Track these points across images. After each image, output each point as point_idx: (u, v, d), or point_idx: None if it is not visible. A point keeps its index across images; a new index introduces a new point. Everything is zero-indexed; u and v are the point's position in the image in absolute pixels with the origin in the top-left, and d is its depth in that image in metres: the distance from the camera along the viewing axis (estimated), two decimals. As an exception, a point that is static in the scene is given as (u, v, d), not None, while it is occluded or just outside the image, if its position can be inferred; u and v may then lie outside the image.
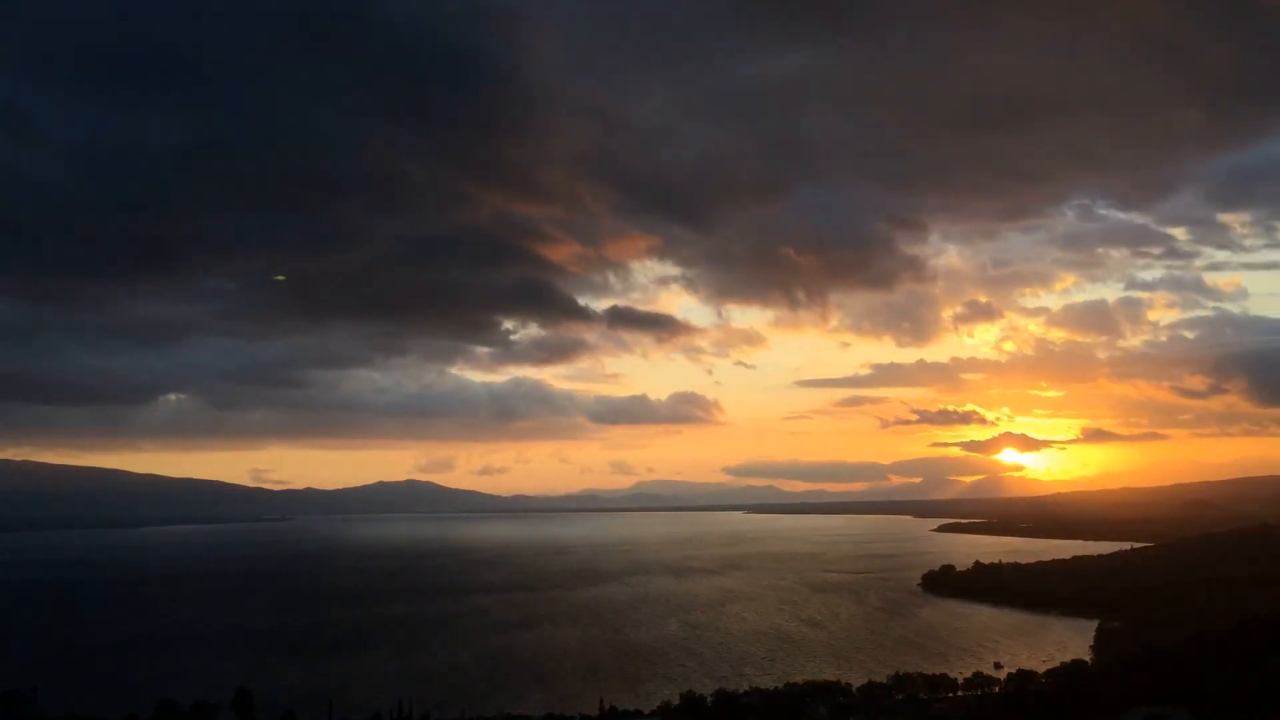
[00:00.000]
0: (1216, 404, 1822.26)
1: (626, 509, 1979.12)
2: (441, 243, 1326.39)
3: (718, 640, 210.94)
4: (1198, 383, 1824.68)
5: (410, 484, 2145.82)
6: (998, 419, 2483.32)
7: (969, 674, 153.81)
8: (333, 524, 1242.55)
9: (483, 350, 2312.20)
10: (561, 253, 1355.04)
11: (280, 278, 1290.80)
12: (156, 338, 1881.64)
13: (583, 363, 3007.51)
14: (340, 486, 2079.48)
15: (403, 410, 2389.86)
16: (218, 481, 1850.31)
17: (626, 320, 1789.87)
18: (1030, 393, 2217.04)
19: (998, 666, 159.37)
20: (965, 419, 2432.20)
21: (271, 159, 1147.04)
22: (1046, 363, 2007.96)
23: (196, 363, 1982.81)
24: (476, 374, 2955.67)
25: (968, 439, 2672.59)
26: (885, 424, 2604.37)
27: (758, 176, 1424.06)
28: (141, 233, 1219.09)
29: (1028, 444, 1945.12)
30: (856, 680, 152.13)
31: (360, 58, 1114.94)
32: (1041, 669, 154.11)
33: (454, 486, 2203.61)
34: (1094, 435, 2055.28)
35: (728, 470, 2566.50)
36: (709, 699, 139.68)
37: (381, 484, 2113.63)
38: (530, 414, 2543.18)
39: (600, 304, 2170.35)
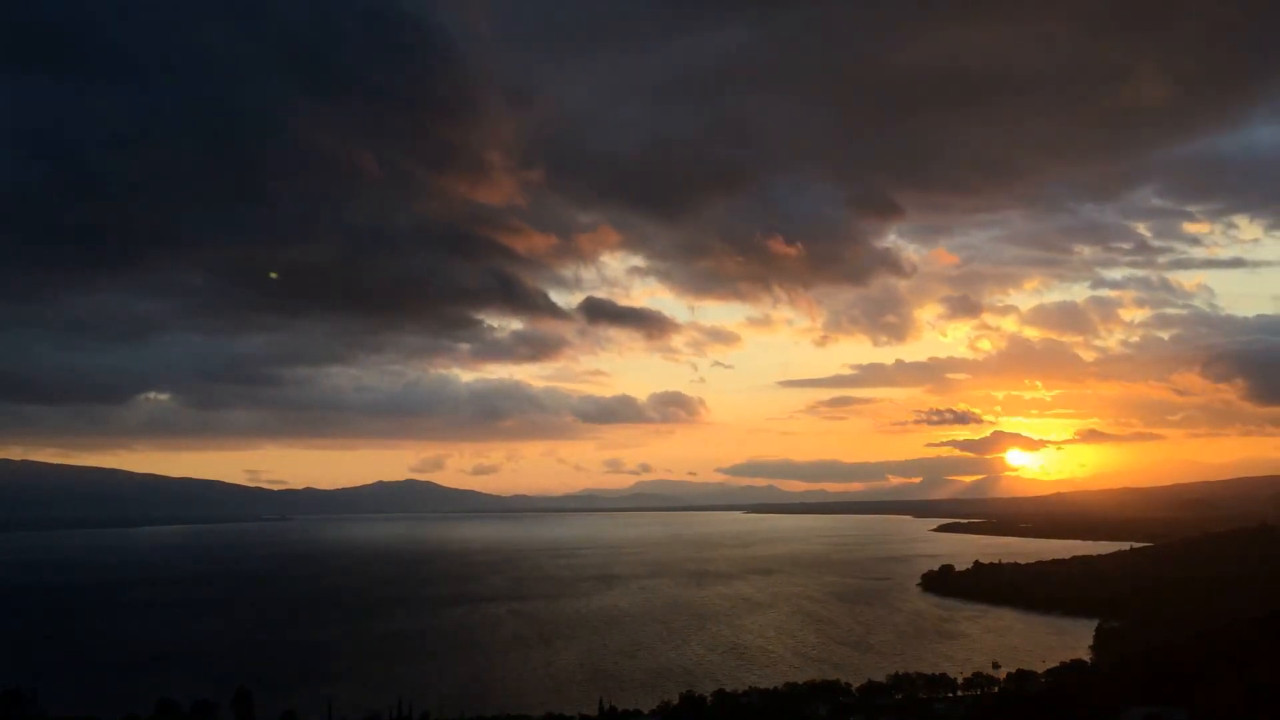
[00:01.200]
0: (1210, 403, 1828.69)
1: (627, 509, 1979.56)
2: (407, 234, 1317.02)
3: (750, 663, 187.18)
4: (1188, 382, 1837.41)
5: (409, 484, 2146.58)
6: (992, 419, 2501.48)
7: (969, 674, 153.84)
8: (332, 524, 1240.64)
9: (463, 347, 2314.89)
10: (529, 245, 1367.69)
11: (273, 275, 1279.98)
12: (123, 334, 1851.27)
13: (562, 360, 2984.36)
14: (339, 486, 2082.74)
15: (390, 409, 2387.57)
16: (217, 481, 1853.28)
17: (604, 315, 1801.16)
18: (1020, 393, 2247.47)
19: (997, 666, 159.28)
20: (961, 419, 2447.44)
21: (208, 144, 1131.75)
22: (1033, 362, 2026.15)
23: (171, 360, 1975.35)
24: (457, 371, 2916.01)
25: (962, 439, 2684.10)
26: (879, 424, 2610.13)
27: (718, 165, 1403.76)
28: (84, 222, 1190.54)
29: (1024, 444, 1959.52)
30: (856, 680, 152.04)
31: (291, 32, 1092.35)
32: (1041, 669, 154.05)
33: (453, 486, 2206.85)
34: (1090, 435, 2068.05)
35: (726, 470, 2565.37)
36: (709, 699, 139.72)
37: (381, 484, 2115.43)
38: (518, 413, 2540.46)
39: (573, 299, 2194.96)
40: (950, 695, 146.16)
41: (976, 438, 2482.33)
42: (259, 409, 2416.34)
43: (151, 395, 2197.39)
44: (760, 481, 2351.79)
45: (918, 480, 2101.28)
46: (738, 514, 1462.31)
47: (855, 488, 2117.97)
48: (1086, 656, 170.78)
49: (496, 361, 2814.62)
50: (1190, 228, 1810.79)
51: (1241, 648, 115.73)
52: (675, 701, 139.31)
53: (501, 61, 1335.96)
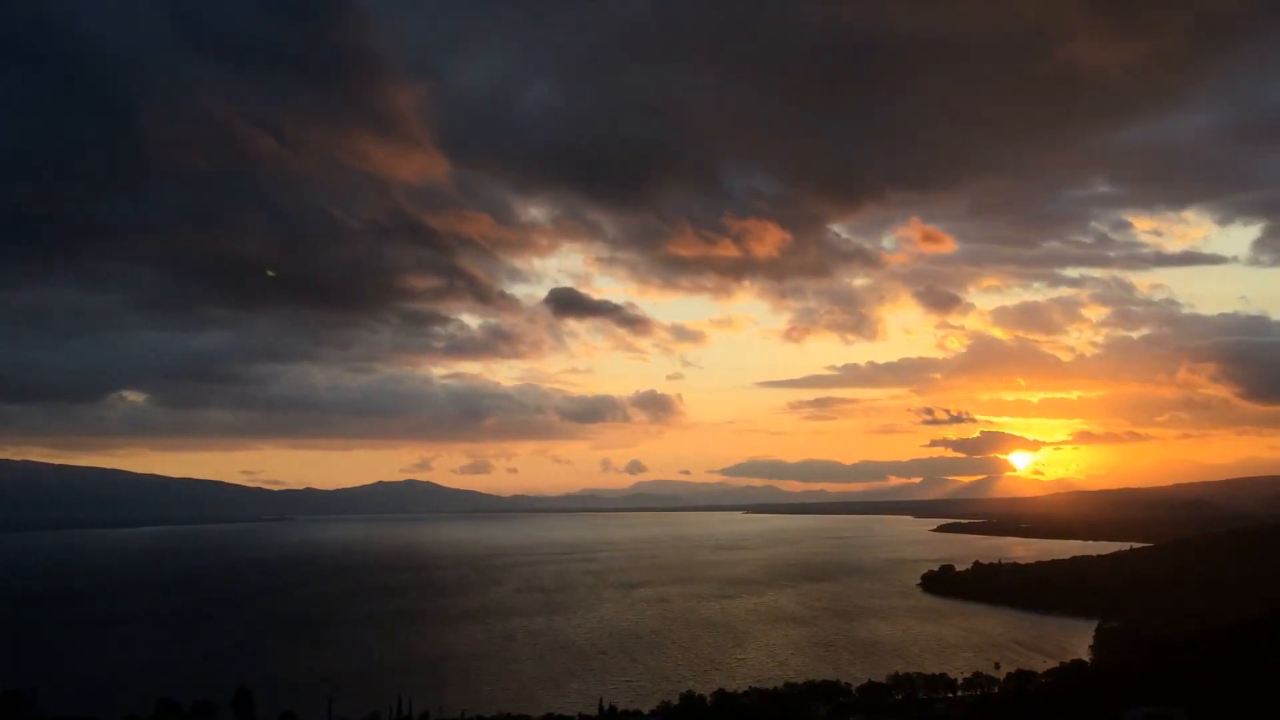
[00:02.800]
0: (1199, 403, 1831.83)
1: (628, 509, 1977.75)
2: (353, 224, 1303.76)
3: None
4: (1175, 383, 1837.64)
5: (409, 484, 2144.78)
6: (985, 419, 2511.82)
7: (969, 674, 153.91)
8: (334, 525, 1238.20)
9: (433, 343, 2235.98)
10: (477, 232, 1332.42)
11: (270, 273, 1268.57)
12: (76, 329, 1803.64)
13: (532, 358, 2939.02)
14: (339, 486, 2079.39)
15: (372, 409, 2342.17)
16: (219, 482, 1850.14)
17: (571, 309, 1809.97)
18: (1005, 394, 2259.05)
19: (998, 666, 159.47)
20: (955, 419, 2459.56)
21: (107, 122, 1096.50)
22: (1013, 362, 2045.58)
23: (135, 357, 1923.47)
24: (428, 368, 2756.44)
25: (956, 439, 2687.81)
26: (870, 425, 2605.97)
27: (648, 146, 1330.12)
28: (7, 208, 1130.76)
29: (1021, 445, 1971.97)
30: (856, 680, 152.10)
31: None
32: (1041, 669, 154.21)
33: (453, 486, 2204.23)
34: (1084, 436, 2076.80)
35: (724, 471, 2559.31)
36: (709, 699, 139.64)
37: (381, 484, 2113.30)
38: (501, 412, 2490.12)
39: (527, 291, 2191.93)
40: (950, 695, 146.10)
41: (970, 438, 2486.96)
42: (239, 408, 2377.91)
43: (125, 394, 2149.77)
44: (759, 482, 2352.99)
45: (917, 480, 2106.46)
46: (738, 514, 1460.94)
47: (854, 488, 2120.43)
48: (1086, 656, 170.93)
49: (469, 358, 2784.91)
50: (1144, 224, 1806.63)
51: (1241, 648, 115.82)
52: (675, 702, 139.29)
53: (405, 25, 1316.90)
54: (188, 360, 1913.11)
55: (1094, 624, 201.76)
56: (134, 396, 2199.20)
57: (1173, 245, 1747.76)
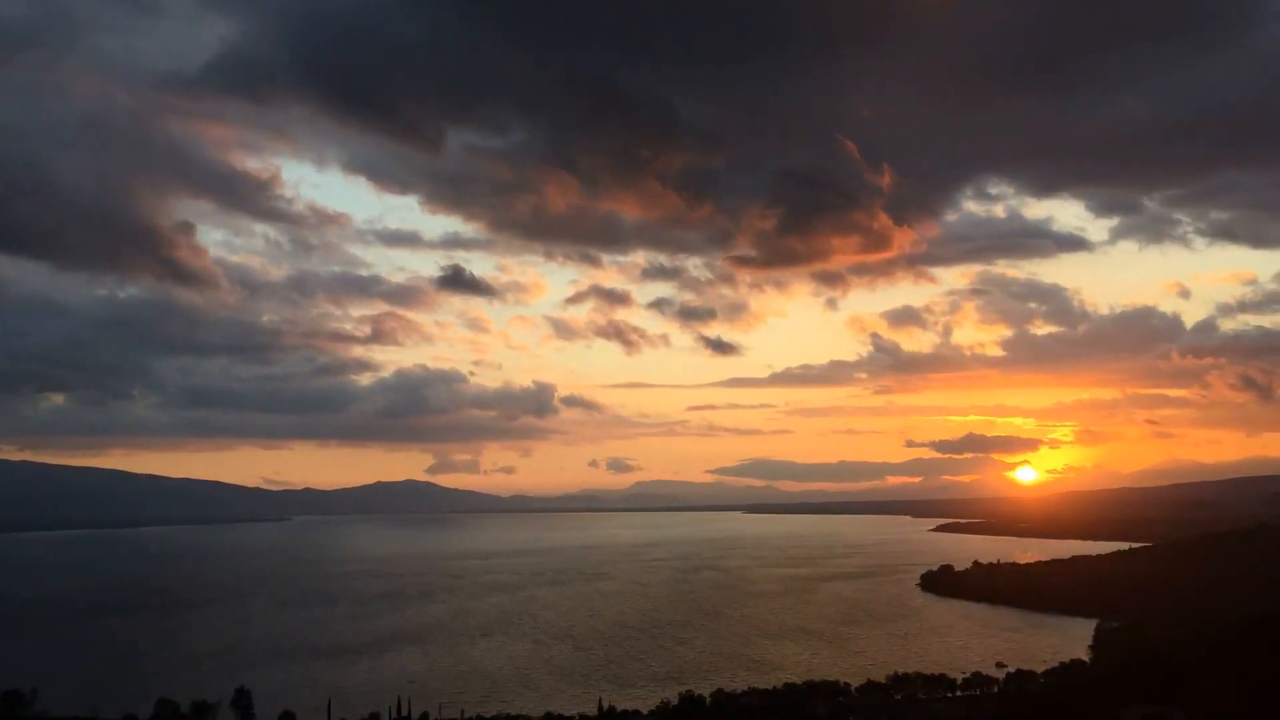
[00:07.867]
0: (1200, 400, 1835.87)
1: (627, 509, 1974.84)
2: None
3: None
4: (1130, 380, 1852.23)
5: (409, 484, 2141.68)
6: (954, 421, 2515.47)
7: (968, 674, 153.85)
8: (335, 526, 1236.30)
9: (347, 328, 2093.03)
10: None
11: None
12: None
13: (427, 346, 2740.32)
14: (340, 486, 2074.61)
15: (311, 406, 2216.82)
16: (219, 482, 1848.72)
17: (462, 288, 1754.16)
18: (954, 395, 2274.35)
19: (1001, 666, 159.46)
20: (942, 417, 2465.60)
21: None
22: (948, 363, 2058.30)
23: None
24: (341, 352, 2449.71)
25: (937, 440, 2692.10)
26: (837, 426, 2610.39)
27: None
28: None
29: (1002, 447, 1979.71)
30: (856, 680, 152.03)
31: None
32: (1041, 669, 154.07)
33: (454, 487, 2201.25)
34: (1057, 440, 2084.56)
35: (722, 471, 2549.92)
36: (708, 699, 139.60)
37: (381, 484, 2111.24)
38: (455, 410, 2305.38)
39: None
40: (950, 695, 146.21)
41: (950, 439, 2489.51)
42: (171, 407, 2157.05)
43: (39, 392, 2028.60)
44: (758, 482, 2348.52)
45: (916, 480, 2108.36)
46: (737, 514, 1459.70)
47: (857, 487, 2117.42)
48: (1086, 656, 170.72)
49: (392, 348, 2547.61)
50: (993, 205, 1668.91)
51: (1241, 648, 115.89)
52: (675, 701, 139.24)
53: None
54: (63, 349, 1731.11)
55: (1094, 624, 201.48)
56: (56, 396, 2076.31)
57: (1029, 230, 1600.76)
